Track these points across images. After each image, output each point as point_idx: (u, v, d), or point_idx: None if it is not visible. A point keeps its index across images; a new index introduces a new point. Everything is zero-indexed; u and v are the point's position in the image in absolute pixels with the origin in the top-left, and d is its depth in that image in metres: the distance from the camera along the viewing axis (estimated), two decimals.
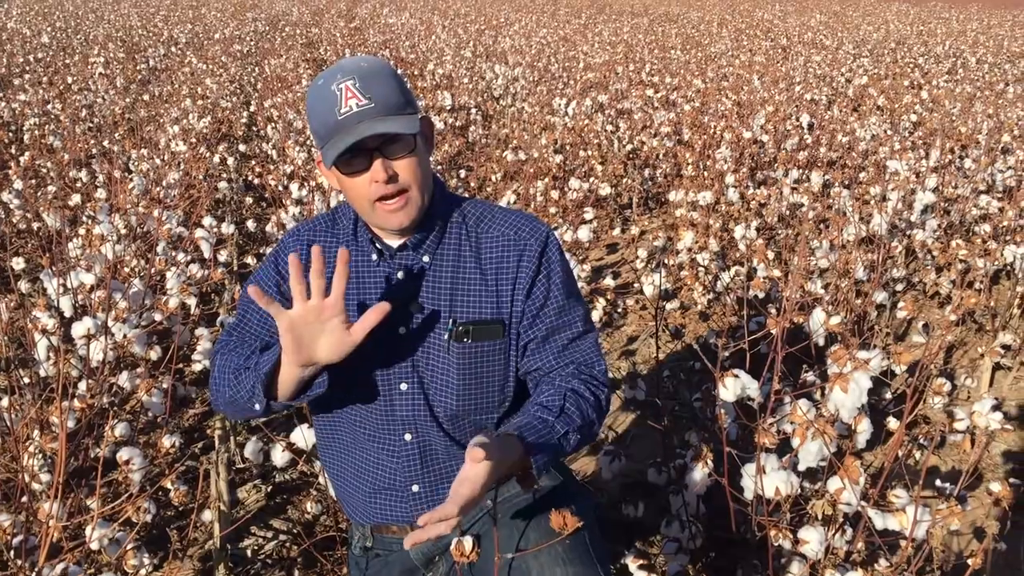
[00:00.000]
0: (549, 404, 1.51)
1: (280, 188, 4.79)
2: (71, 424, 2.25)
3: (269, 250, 3.96)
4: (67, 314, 2.77)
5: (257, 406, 1.51)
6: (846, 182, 5.14)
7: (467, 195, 5.03)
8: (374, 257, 1.62)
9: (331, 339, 1.43)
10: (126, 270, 3.22)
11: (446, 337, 1.59)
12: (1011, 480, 1.83)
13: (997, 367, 3.40)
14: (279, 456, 2.39)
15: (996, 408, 2.05)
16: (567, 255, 2.93)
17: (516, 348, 1.63)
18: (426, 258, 1.61)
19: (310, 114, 1.51)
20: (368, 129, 1.44)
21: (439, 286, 1.60)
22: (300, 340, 1.43)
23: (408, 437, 1.63)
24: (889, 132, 6.71)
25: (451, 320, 1.59)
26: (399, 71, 10.16)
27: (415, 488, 1.66)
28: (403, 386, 1.61)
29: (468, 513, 1.29)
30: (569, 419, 1.50)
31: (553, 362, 1.61)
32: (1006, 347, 3.40)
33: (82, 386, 2.46)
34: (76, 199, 4.35)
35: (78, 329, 2.43)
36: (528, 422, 1.47)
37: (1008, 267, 4.00)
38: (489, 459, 1.28)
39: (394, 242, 1.61)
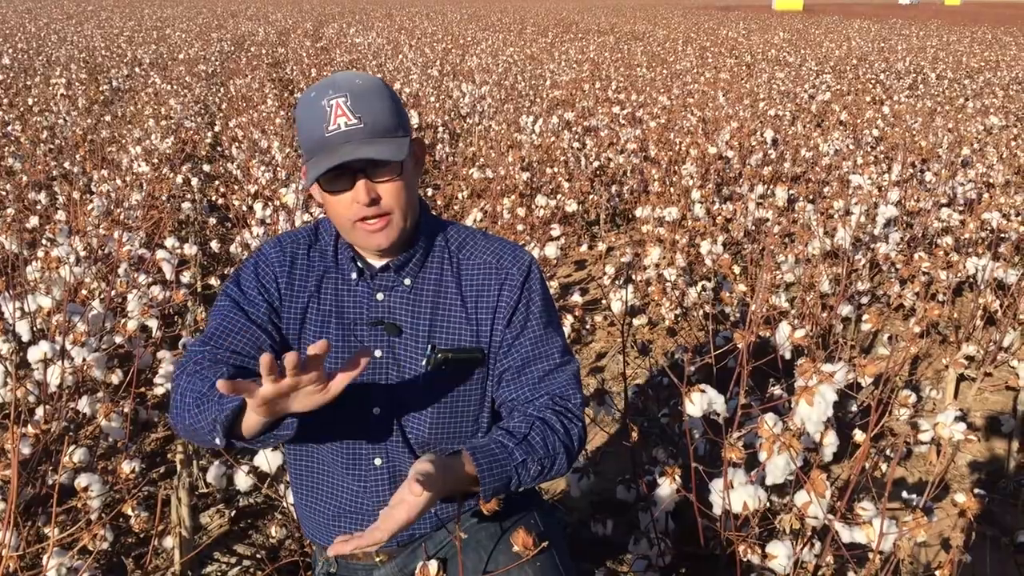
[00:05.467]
0: (513, 430, 1.48)
1: (244, 208, 4.75)
2: (27, 451, 2.19)
3: (233, 271, 3.91)
4: (25, 338, 2.72)
5: (217, 440, 1.38)
6: (810, 197, 5.18)
7: (434, 213, 5.02)
8: (354, 276, 1.58)
9: (305, 399, 1.28)
10: (84, 293, 3.16)
11: (424, 363, 1.55)
12: (976, 491, 1.83)
13: (961, 378, 3.43)
14: (243, 480, 2.35)
15: (960, 419, 2.07)
16: None
17: (493, 377, 1.60)
18: (407, 281, 1.57)
19: (299, 126, 1.46)
20: (352, 153, 1.39)
21: (419, 310, 1.57)
22: (273, 405, 1.27)
23: (378, 462, 1.60)
24: (852, 147, 6.79)
25: (430, 346, 1.55)
26: None
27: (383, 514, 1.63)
28: (376, 410, 1.58)
29: (397, 536, 1.27)
30: (531, 448, 1.46)
31: (528, 393, 1.56)
32: (970, 358, 3.43)
33: (39, 412, 2.41)
34: (34, 221, 4.28)
35: (34, 353, 2.38)
36: (486, 444, 1.43)
37: (970, 279, 4.05)
38: (429, 491, 1.25)
39: (376, 262, 1.57)
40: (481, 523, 1.61)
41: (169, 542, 2.33)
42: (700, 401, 1.93)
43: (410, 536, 1.64)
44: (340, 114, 1.40)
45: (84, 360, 2.50)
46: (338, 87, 1.42)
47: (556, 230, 4.72)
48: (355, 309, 1.58)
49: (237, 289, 1.59)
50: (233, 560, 2.50)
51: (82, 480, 2.13)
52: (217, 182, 5.96)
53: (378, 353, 1.57)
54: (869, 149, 6.78)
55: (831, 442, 1.94)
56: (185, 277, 3.82)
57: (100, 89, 10.30)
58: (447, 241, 1.62)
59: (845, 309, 3.49)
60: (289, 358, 1.20)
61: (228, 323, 1.55)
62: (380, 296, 1.57)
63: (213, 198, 5.61)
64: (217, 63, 14.25)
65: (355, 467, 1.61)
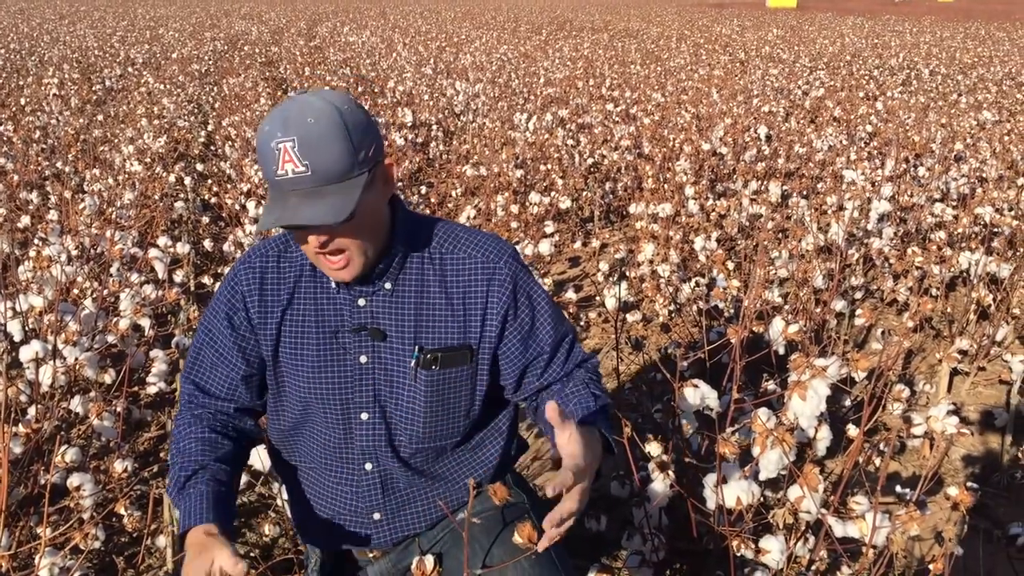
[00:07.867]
0: (596, 403, 1.58)
1: (237, 207, 4.74)
2: (18, 450, 2.18)
3: (227, 270, 3.91)
4: (16, 338, 2.71)
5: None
6: (804, 192, 5.19)
7: (428, 211, 5.00)
8: (333, 285, 1.54)
9: None
10: (76, 292, 3.15)
11: (412, 364, 1.54)
12: (969, 484, 1.83)
13: (955, 372, 3.43)
14: None
15: (953, 413, 2.07)
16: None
17: (486, 372, 1.59)
18: (388, 284, 1.54)
19: (257, 154, 1.42)
20: (293, 214, 1.35)
21: (403, 312, 1.54)
22: None
23: (368, 467, 1.59)
24: (845, 143, 6.80)
25: (416, 347, 1.54)
26: (359, 89, 10.15)
27: (376, 516, 1.62)
28: (364, 416, 1.57)
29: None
30: (605, 416, 1.59)
31: (562, 370, 1.64)
32: (963, 352, 3.43)
33: (31, 411, 2.40)
34: (26, 221, 4.27)
35: (26, 353, 2.37)
36: (595, 420, 1.54)
37: (963, 274, 4.05)
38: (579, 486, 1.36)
39: None
40: (476, 518, 1.60)
41: (162, 541, 2.32)
42: (693, 396, 1.94)
43: (404, 535, 1.64)
44: (287, 160, 1.34)
45: (76, 359, 2.50)
46: (288, 128, 1.34)
47: (550, 227, 4.72)
48: (336, 316, 1.55)
49: (211, 317, 1.62)
50: None
51: (74, 479, 2.12)
52: (210, 181, 5.95)
53: (363, 359, 1.55)
54: (862, 145, 6.78)
55: (824, 436, 1.94)
56: (178, 276, 3.81)
57: (93, 89, 10.27)
58: (427, 239, 1.58)
59: (838, 304, 3.49)
60: None
61: (202, 356, 1.62)
62: (362, 302, 1.54)
63: (206, 197, 5.59)
64: (210, 62, 14.21)
65: (346, 473, 1.60)
